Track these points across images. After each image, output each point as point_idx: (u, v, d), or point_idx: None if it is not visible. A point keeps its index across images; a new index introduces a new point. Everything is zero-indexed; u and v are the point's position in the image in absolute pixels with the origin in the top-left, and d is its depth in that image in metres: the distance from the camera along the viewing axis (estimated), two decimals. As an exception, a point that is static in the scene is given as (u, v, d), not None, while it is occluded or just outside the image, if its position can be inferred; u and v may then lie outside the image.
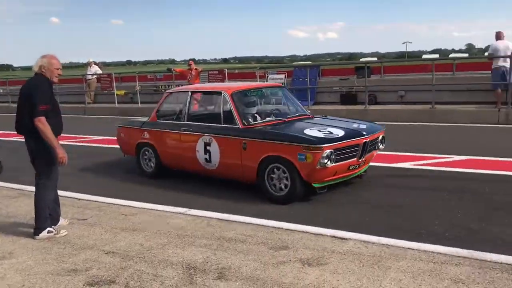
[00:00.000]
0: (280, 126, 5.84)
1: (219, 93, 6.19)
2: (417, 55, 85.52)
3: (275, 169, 5.37)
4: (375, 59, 47.43)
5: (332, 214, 4.99)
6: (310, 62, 40.44)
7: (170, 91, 7.16)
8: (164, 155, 6.63)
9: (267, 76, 15.66)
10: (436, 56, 48.24)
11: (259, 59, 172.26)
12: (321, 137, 5.23)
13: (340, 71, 16.46)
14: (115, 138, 7.65)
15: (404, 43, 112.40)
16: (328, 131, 5.45)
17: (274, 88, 7.25)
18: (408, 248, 3.84)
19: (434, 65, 11.76)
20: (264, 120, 5.96)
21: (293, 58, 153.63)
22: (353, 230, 4.34)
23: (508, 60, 10.50)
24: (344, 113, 11.20)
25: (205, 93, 7.10)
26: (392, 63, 22.25)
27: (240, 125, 5.75)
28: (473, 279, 3.27)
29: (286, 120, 6.05)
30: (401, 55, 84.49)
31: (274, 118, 6.08)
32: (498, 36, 10.93)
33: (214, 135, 5.93)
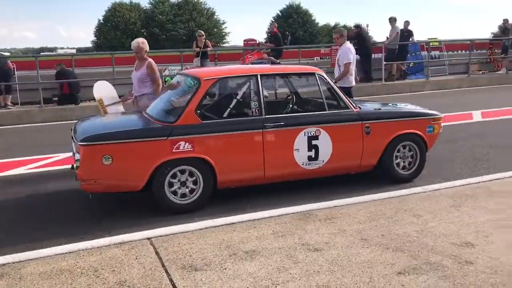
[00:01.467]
0: (381, 106, 5.61)
1: (311, 74, 5.07)
2: None
3: (400, 148, 5.24)
4: None
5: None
6: None
7: (213, 77, 4.75)
8: (227, 170, 4.62)
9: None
10: None
11: None
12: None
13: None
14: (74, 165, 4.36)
15: None
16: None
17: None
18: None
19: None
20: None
21: None
22: None
23: None
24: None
25: (286, 75, 5.47)
26: None
27: (353, 109, 5.03)
28: None
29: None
30: None
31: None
32: None
33: (322, 125, 4.84)
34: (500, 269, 3.11)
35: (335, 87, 5.08)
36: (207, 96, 4.94)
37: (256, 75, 4.81)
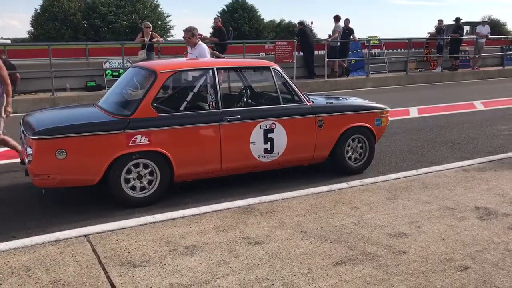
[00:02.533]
0: (332, 100, 5.73)
1: (266, 68, 5.10)
2: None
3: (350, 142, 5.42)
4: None
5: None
6: None
7: (169, 70, 4.62)
8: (184, 163, 4.55)
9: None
10: None
11: None
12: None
13: None
14: (25, 160, 4.28)
15: None
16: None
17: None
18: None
19: None
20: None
21: None
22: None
23: None
24: None
25: (241, 69, 5.42)
26: None
27: (307, 103, 5.13)
28: None
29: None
30: None
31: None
32: None
33: (278, 118, 4.89)
34: (430, 257, 3.26)
35: (289, 81, 5.14)
36: (164, 89, 4.85)
37: (213, 68, 4.78)
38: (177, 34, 67.77)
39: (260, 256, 3.31)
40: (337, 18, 14.93)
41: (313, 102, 5.22)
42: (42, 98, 11.00)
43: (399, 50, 18.97)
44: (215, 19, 13.75)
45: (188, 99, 4.70)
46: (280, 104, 5.00)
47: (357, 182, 5.08)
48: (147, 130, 4.32)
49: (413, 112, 9.87)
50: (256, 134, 4.77)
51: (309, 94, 5.68)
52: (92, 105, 5.04)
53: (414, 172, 5.48)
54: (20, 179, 5.14)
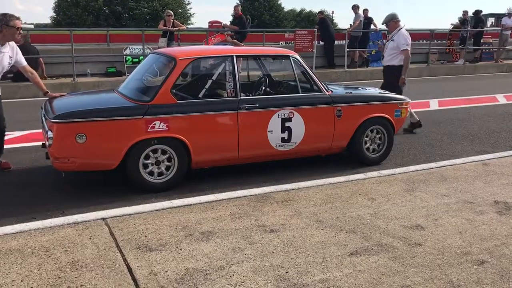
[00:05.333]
0: (351, 90, 5.67)
1: (286, 57, 5.06)
2: None
3: (369, 133, 5.37)
4: None
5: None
6: None
7: (189, 57, 4.64)
8: (202, 151, 4.56)
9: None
10: None
11: None
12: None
13: None
14: (46, 143, 4.38)
15: None
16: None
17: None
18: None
19: None
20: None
21: None
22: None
23: None
24: None
25: (260, 57, 5.44)
26: None
27: (325, 92, 5.09)
28: None
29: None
30: None
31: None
32: None
33: (296, 107, 4.87)
34: (447, 251, 3.24)
35: (308, 70, 5.10)
36: (183, 76, 4.87)
37: (232, 56, 4.77)
38: (197, 21, 67.81)
39: (275, 244, 3.32)
40: (356, 8, 14.73)
41: (332, 91, 5.19)
42: (63, 83, 11.14)
43: (421, 41, 18.68)
44: (235, 7, 13.67)
45: (206, 86, 4.71)
46: (299, 93, 4.98)
47: (374, 173, 5.04)
48: (166, 116, 4.35)
49: (434, 104, 9.74)
50: (274, 123, 4.76)
51: (328, 84, 5.65)
52: (112, 90, 5.09)
53: (432, 164, 5.42)
54: (40, 162, 5.23)
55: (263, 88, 5.17)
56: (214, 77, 4.80)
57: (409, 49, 6.83)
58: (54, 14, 59.65)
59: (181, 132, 4.41)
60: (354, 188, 4.51)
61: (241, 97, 4.67)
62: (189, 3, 63.14)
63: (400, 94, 6.20)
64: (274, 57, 5.43)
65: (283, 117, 4.79)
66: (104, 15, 56.42)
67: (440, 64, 16.68)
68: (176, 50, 5.27)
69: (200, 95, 4.67)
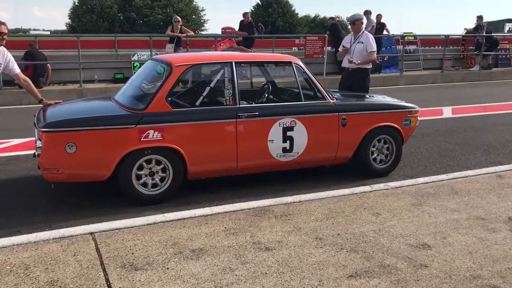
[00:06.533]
0: (358, 98, 5.48)
1: (288, 63, 4.85)
2: None
3: (376, 143, 5.13)
4: None
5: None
6: None
7: (185, 63, 4.46)
8: (198, 161, 4.36)
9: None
10: None
11: None
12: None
13: None
14: (35, 152, 4.19)
15: None
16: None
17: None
18: None
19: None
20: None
21: None
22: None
23: None
24: None
25: (261, 63, 5.25)
26: None
27: (330, 100, 4.86)
28: None
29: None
30: None
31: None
32: None
33: (298, 116, 4.65)
34: (455, 274, 2.98)
35: (312, 77, 4.88)
36: (179, 83, 4.69)
37: (231, 63, 4.57)
38: (211, 28, 68.06)
39: (269, 264, 3.10)
40: (369, 13, 14.48)
41: (336, 99, 4.96)
42: (69, 89, 11.07)
43: (436, 47, 18.34)
44: (244, 13, 13.44)
45: (204, 93, 4.52)
46: (301, 101, 4.75)
47: (381, 186, 4.79)
48: (160, 125, 4.16)
49: (447, 112, 9.43)
50: (275, 132, 4.55)
51: (333, 91, 5.42)
52: (109, 98, 4.92)
53: (443, 176, 5.15)
54: (34, 171, 5.07)
55: (264, 95, 4.96)
56: (212, 84, 4.61)
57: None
58: (70, 20, 60.35)
59: (176, 142, 4.22)
60: (358, 202, 4.27)
61: (240, 105, 4.46)
62: (203, 10, 63.44)
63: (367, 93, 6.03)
64: (276, 64, 5.21)
65: (284, 126, 4.58)
66: (118, 21, 56.88)
67: (455, 71, 16.31)
68: (173, 56, 5.09)
69: (197, 103, 4.47)
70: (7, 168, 5.39)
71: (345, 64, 6.75)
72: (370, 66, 6.70)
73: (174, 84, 4.36)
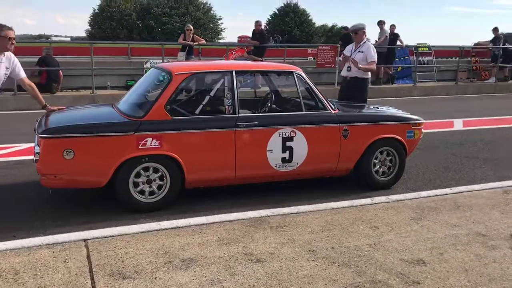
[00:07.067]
0: (360, 109, 5.43)
1: (289, 73, 4.82)
2: None
3: (378, 154, 5.06)
4: None
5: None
6: None
7: (185, 72, 4.48)
8: (196, 169, 4.35)
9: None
10: None
11: None
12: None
13: None
14: (34, 158, 4.16)
15: None
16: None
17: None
18: None
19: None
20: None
21: None
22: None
23: None
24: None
25: (262, 73, 5.35)
26: None
27: (331, 110, 4.82)
28: None
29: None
30: None
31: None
32: None
33: (298, 126, 4.61)
34: (447, 292, 2.91)
35: (313, 87, 4.85)
36: (179, 92, 4.70)
37: (231, 72, 4.56)
38: (228, 36, 68.45)
39: (258, 276, 3.06)
40: (382, 23, 14.40)
41: (338, 110, 4.91)
42: (82, 95, 11.19)
43: (451, 58, 18.15)
44: (256, 22, 13.44)
45: (203, 102, 4.51)
46: (302, 111, 4.72)
47: (382, 199, 4.72)
48: (159, 133, 4.16)
49: (458, 124, 9.29)
50: (274, 142, 4.52)
51: (336, 102, 5.38)
52: (111, 105, 4.95)
53: (447, 190, 5.06)
54: (36, 176, 5.10)
55: (265, 105, 4.94)
56: (212, 93, 4.60)
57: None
58: (89, 27, 61.24)
59: (174, 150, 4.21)
60: (357, 215, 4.20)
61: (240, 114, 4.44)
62: (221, 18, 63.79)
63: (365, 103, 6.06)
64: (277, 73, 5.18)
65: (284, 136, 4.54)
66: (137, 29, 57.53)
67: (470, 82, 16.11)
68: (174, 65, 5.10)
69: (197, 112, 4.47)
70: (11, 173, 5.45)
71: (343, 73, 6.71)
72: (369, 76, 6.64)
73: (174, 92, 4.36)
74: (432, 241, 3.65)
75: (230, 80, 4.51)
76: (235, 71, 4.56)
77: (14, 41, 4.66)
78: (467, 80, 16.40)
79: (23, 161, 5.94)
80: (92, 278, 2.99)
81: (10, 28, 4.62)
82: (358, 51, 6.52)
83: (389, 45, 14.49)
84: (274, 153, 4.54)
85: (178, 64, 5.48)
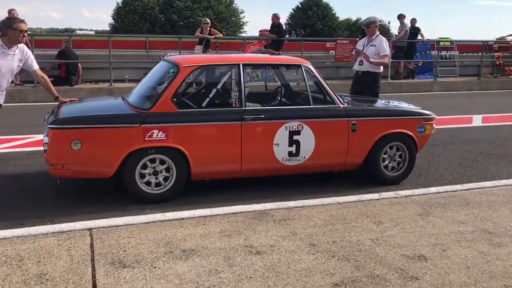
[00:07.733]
0: (371, 103, 5.37)
1: (297, 66, 4.79)
2: None
3: (387, 149, 5.00)
4: None
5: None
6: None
7: (192, 64, 4.50)
8: (202, 162, 4.36)
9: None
10: None
11: None
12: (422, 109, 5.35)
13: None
14: (44, 149, 4.27)
15: None
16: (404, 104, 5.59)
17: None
18: None
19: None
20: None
21: None
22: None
23: None
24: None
25: (270, 66, 5.30)
26: None
27: (339, 104, 4.78)
28: None
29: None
30: None
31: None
32: None
33: (305, 120, 4.58)
34: (446, 288, 2.87)
35: (322, 80, 4.81)
36: (185, 84, 4.73)
37: (238, 65, 4.57)
38: (250, 30, 68.34)
39: (256, 268, 3.07)
40: (403, 17, 14.17)
41: (347, 104, 4.87)
42: (100, 87, 11.34)
43: (476, 53, 17.78)
44: (274, 15, 13.39)
45: (210, 95, 4.54)
46: (310, 105, 4.70)
47: (390, 194, 4.68)
48: (165, 125, 4.20)
49: (477, 120, 9.12)
50: (281, 136, 4.51)
51: (345, 96, 5.33)
52: (121, 97, 5.01)
53: (458, 186, 4.98)
54: (46, 166, 5.20)
55: (273, 98, 4.93)
56: (219, 86, 4.62)
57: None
58: (113, 21, 61.88)
59: (180, 142, 4.25)
60: (363, 209, 4.18)
61: (246, 107, 4.45)
62: (243, 12, 63.75)
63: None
64: (285, 66, 5.15)
65: (291, 129, 4.53)
66: (159, 22, 57.93)
67: (493, 78, 15.77)
68: (182, 57, 5.12)
69: (204, 104, 4.49)
70: (24, 163, 5.58)
71: (355, 67, 6.65)
72: (381, 70, 6.56)
73: (181, 85, 4.39)
74: (436, 237, 3.61)
75: (237, 73, 4.51)
76: (242, 64, 4.56)
77: (26, 34, 4.75)
78: (491, 75, 16.05)
79: (37, 151, 6.06)
80: (93, 266, 3.05)
81: (23, 21, 4.71)
82: (371, 45, 6.46)
83: (410, 39, 14.26)
84: (280, 147, 4.53)
85: (186, 57, 5.50)
